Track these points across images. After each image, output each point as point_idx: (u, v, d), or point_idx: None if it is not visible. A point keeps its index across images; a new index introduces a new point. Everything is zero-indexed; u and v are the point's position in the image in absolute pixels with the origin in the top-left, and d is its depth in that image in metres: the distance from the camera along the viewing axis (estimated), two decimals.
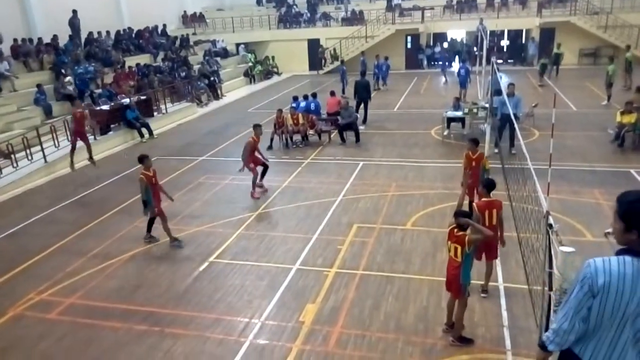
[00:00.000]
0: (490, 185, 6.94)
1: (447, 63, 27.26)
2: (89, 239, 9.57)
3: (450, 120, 15.20)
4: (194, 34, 31.57)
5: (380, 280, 7.50)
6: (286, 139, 15.17)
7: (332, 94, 17.02)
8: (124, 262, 8.59)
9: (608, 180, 10.80)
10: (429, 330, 6.24)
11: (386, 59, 24.94)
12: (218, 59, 29.14)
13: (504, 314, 6.48)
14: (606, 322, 2.71)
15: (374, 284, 7.41)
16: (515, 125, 9.40)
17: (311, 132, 15.47)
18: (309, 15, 33.95)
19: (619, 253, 2.72)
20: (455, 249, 5.79)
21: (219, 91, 25.21)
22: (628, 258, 2.66)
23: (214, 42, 31.16)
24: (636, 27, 25.86)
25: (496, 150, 12.33)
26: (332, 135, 15.71)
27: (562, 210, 9.19)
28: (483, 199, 6.87)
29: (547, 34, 28.80)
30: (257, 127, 11.42)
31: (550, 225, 4.38)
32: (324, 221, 9.72)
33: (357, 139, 15.16)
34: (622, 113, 13.30)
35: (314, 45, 32.45)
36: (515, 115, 13.35)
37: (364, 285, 7.38)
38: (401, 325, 6.37)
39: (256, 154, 11.29)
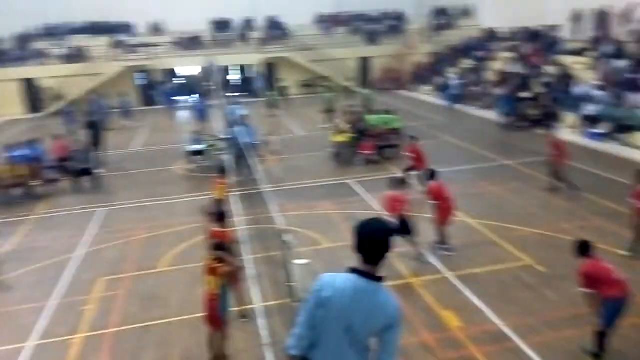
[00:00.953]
0: (220, 216, 7.19)
1: (181, 98, 27.59)
2: None
3: (192, 153, 15.30)
4: None
5: (137, 332, 6.97)
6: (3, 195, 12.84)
7: (58, 137, 15.24)
8: None
9: (335, 192, 12.45)
10: None
11: (101, 97, 24.19)
12: None
13: (264, 332, 6.75)
14: (331, 330, 3.05)
15: (130, 338, 6.84)
16: (250, 153, 10.03)
17: (36, 182, 13.48)
18: (19, 52, 29.70)
19: (349, 270, 3.08)
20: (212, 281, 5.81)
21: None
22: (352, 275, 3.03)
23: None
24: (340, 60, 31.04)
25: (237, 178, 12.95)
26: (63, 184, 14.00)
27: (300, 224, 10.13)
28: (218, 229, 7.06)
29: (270, 68, 31.93)
30: None
31: (285, 242, 4.79)
32: (63, 282, 8.54)
33: (95, 184, 13.89)
34: (337, 133, 15.60)
35: (30, 86, 28.55)
36: (251, 143, 14.41)
37: (119, 343, 6.74)
38: None
39: None
